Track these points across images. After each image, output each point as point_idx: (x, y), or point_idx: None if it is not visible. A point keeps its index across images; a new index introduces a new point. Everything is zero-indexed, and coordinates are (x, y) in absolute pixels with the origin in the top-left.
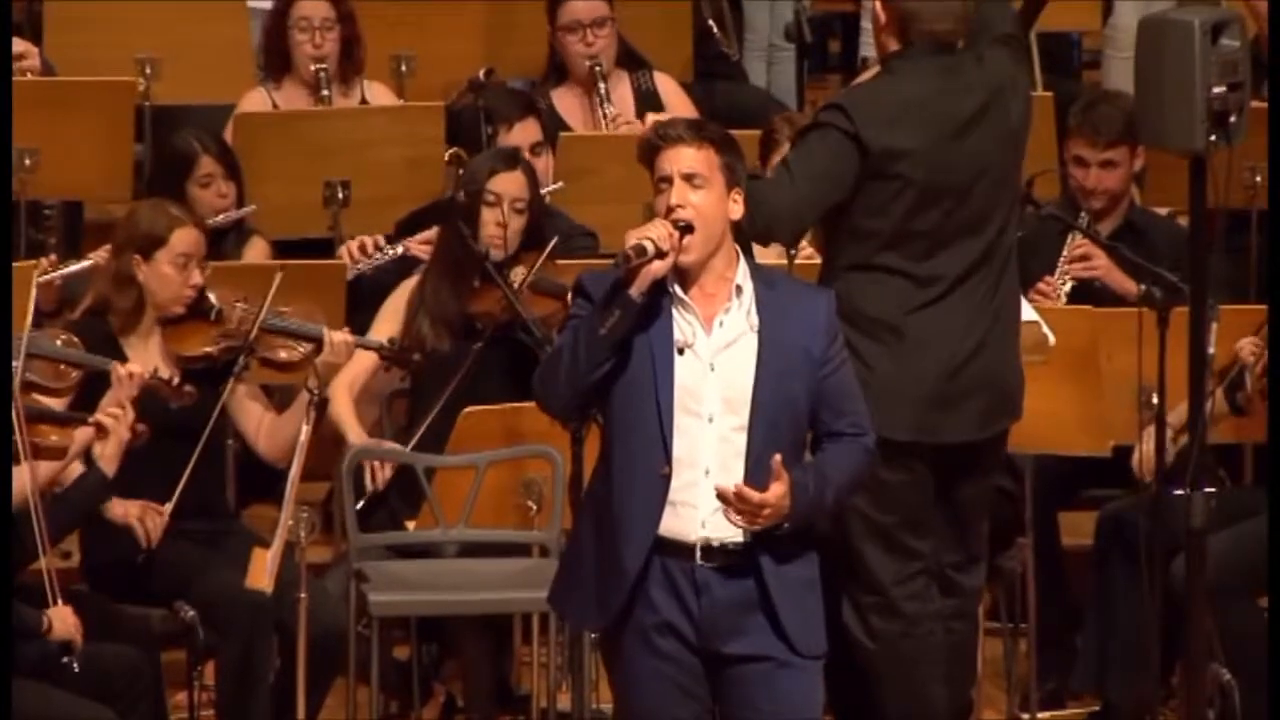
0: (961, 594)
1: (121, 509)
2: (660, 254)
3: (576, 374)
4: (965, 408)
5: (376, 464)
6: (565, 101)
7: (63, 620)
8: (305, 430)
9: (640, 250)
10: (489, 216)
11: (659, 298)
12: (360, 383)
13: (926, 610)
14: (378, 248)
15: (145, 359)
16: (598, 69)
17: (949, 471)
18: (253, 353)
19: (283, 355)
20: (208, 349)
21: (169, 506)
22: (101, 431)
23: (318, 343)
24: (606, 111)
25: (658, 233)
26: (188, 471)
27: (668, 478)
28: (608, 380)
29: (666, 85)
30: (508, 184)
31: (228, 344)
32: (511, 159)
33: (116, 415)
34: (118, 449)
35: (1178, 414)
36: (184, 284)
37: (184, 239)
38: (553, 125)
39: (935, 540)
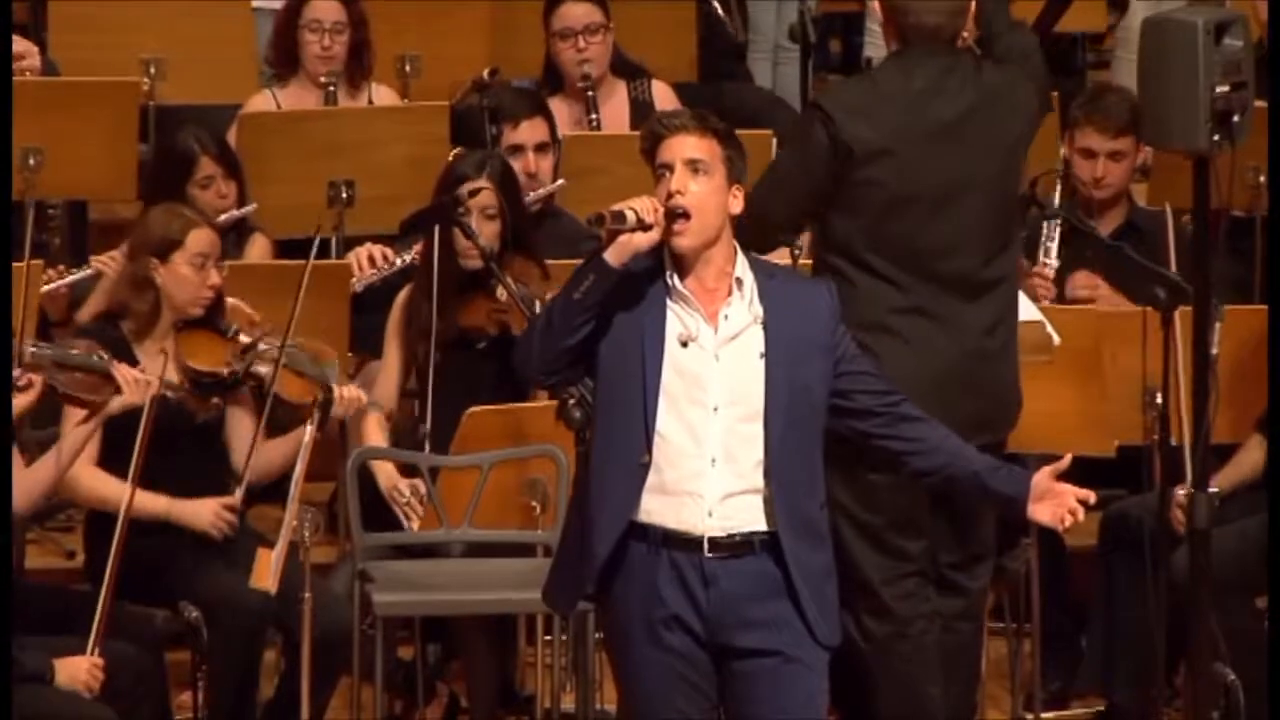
0: (963, 594)
1: (191, 511)
2: (643, 226)
3: (550, 336)
4: (949, 414)
5: (410, 508)
6: (559, 111)
7: (71, 674)
8: (310, 431)
9: (620, 216)
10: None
11: (650, 285)
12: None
13: (920, 610)
14: (386, 259)
15: (158, 365)
16: (586, 82)
17: None
18: (262, 387)
19: (291, 395)
20: (218, 370)
21: (239, 493)
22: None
23: (328, 390)
24: (593, 120)
25: (641, 204)
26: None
27: (646, 466)
28: (595, 361)
29: (663, 94)
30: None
31: (236, 370)
32: (479, 166)
33: (139, 378)
34: (98, 424)
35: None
36: (202, 284)
37: (199, 239)
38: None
39: (931, 540)
